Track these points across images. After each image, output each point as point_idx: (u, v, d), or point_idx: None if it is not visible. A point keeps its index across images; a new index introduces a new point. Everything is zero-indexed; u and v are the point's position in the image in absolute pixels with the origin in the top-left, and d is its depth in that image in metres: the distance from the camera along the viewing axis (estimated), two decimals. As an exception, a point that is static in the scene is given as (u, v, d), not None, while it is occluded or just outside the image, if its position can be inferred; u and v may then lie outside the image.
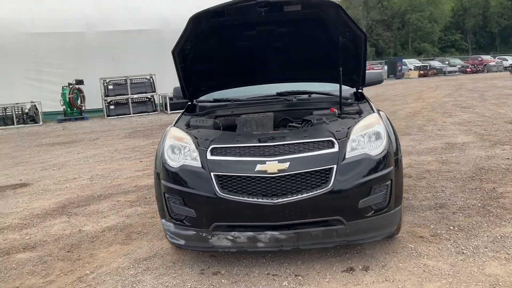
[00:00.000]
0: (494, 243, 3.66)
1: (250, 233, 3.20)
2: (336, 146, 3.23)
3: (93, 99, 19.27)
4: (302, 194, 3.13)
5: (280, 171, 3.13)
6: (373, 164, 3.27)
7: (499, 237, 3.76)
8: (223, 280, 3.35)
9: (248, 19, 3.52)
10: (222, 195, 3.18)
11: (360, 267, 3.42)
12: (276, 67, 4.05)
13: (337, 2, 3.40)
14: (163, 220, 3.56)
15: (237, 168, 3.21)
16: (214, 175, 3.23)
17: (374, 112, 3.60)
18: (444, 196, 4.92)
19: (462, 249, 3.60)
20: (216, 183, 3.22)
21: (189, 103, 4.26)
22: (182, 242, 3.45)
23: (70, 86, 18.79)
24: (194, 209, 3.30)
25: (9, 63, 19.44)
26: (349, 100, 4.08)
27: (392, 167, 3.36)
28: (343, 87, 4.09)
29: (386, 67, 40.81)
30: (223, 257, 3.70)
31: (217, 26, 3.57)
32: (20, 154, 10.49)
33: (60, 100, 18.88)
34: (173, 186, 3.39)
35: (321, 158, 3.20)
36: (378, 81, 4.72)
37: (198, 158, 3.32)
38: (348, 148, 3.25)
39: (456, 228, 4.01)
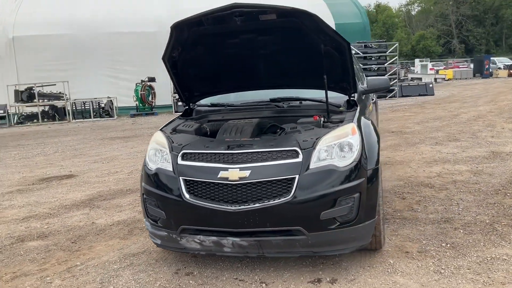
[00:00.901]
0: (480, 265, 3.44)
1: (214, 238, 3.29)
2: (300, 156, 3.22)
3: (164, 95, 20.18)
4: (262, 203, 3.16)
5: (241, 178, 3.18)
6: (339, 175, 3.21)
7: (488, 259, 3.52)
8: (191, 281, 3.47)
9: (229, 28, 3.59)
10: (189, 199, 3.30)
11: (328, 279, 3.37)
12: (265, 74, 4.07)
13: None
14: (144, 220, 3.75)
15: (203, 173, 3.31)
16: (182, 179, 3.36)
17: (353, 122, 3.52)
18: (455, 210, 4.66)
19: (442, 268, 3.42)
20: (184, 188, 3.34)
21: (186, 107, 4.42)
22: (158, 241, 3.62)
23: (142, 83, 19.82)
24: (164, 211, 3.45)
25: (89, 61, 20.91)
26: (341, 108, 4.00)
27: (362, 180, 3.27)
28: (338, 94, 4.04)
29: (472, 65, 38.50)
30: (202, 259, 3.82)
31: (200, 34, 3.67)
32: (82, 147, 11.33)
33: (133, 96, 20.00)
34: (149, 188, 3.57)
35: (284, 167, 3.20)
36: (383, 88, 4.58)
37: (170, 162, 3.47)
38: (314, 159, 3.22)
39: (448, 246, 3.80)
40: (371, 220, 3.37)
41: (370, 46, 21.86)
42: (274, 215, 3.17)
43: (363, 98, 4.56)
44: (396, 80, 21.63)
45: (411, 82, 26.07)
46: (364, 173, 3.31)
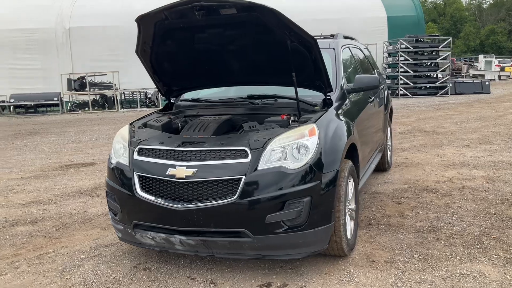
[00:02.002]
0: (445, 281, 3.19)
1: (163, 235, 3.27)
2: (249, 156, 3.12)
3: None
4: (206, 202, 3.09)
5: (187, 176, 3.13)
6: (288, 178, 3.08)
7: (457, 275, 3.26)
8: (144, 277, 3.47)
9: (193, 23, 3.52)
10: (140, 195, 3.30)
11: (278, 284, 3.26)
12: (239, 70, 3.96)
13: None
14: (110, 212, 3.80)
15: (154, 170, 3.29)
16: (136, 175, 3.36)
17: (315, 123, 3.35)
18: (448, 219, 4.36)
19: (402, 282, 3.20)
20: (138, 183, 3.34)
21: (167, 102, 4.41)
22: (120, 234, 3.65)
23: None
24: (120, 205, 3.47)
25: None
26: (316, 107, 3.84)
27: (315, 183, 3.12)
28: (315, 93, 3.88)
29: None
30: (166, 254, 3.81)
31: (166, 28, 3.63)
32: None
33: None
34: (109, 182, 3.60)
35: (231, 167, 3.11)
36: (372, 86, 4.34)
37: (127, 157, 3.48)
38: (263, 160, 3.11)
39: (420, 257, 3.56)
40: (325, 226, 3.22)
41: (422, 40, 20.94)
42: (219, 216, 3.10)
43: (350, 97, 4.34)
44: (447, 76, 20.61)
45: (465, 79, 24.78)
46: (319, 177, 3.16)
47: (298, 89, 3.67)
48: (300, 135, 3.23)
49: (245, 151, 3.14)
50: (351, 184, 3.71)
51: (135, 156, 3.42)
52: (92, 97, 20.42)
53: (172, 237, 3.24)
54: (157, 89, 4.85)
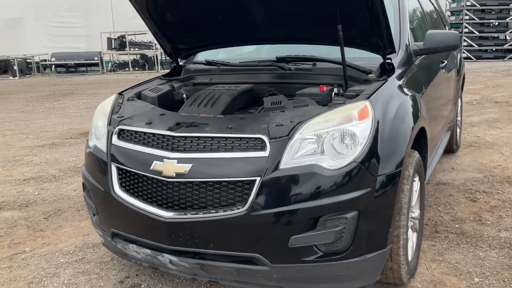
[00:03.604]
0: None
1: (148, 251, 2.36)
2: (267, 148, 2.10)
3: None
4: (203, 213, 2.14)
5: (178, 175, 2.17)
6: (324, 182, 2.07)
7: None
8: (129, 299, 2.61)
9: None
10: (118, 195, 2.38)
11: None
12: (264, 21, 2.89)
13: None
14: (91, 210, 2.92)
15: (135, 162, 2.35)
16: (115, 166, 2.43)
17: (368, 99, 2.28)
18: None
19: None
20: (115, 178, 2.42)
21: (174, 64, 3.41)
22: (102, 240, 2.78)
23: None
24: (95, 205, 2.59)
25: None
26: (370, 75, 2.74)
27: (365, 191, 2.09)
28: (369, 54, 2.78)
29: None
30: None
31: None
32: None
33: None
34: (85, 172, 2.71)
35: (240, 163, 2.12)
36: (450, 46, 3.17)
37: (104, 140, 2.55)
38: (288, 153, 2.09)
39: (513, 294, 2.49)
40: (378, 252, 2.20)
41: (491, -4, 18.70)
42: (221, 233, 2.15)
43: (418, 61, 3.19)
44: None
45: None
46: (371, 181, 2.12)
47: (346, 49, 2.59)
48: (346, 118, 2.18)
49: (262, 140, 2.13)
50: (416, 184, 2.64)
51: (114, 140, 2.49)
52: (132, 57, 19.74)
53: (160, 256, 2.32)
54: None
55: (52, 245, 3.32)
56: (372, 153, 2.13)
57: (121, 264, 2.98)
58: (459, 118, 5.19)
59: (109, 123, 2.58)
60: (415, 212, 2.72)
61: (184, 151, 2.20)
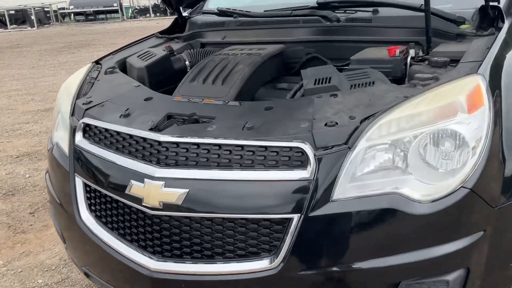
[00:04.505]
0: None
1: (134, 304, 1.59)
2: (311, 165, 1.23)
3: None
4: (207, 266, 1.32)
5: (166, 206, 1.33)
6: (412, 224, 1.22)
7: None
8: None
9: None
10: (85, 222, 1.59)
11: None
12: None
13: None
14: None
15: (107, 177, 1.53)
16: (80, 180, 1.62)
17: (477, 72, 1.36)
18: None
19: None
20: (83, 197, 1.62)
21: (176, 16, 2.50)
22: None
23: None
24: (61, 230, 1.81)
25: None
26: (463, 26, 1.79)
27: (479, 236, 1.23)
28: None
29: None
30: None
31: None
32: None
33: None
34: (47, 179, 1.92)
35: (267, 190, 1.27)
36: None
37: (66, 137, 1.73)
38: (346, 175, 1.23)
39: None
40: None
41: None
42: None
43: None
44: None
45: None
46: (489, 218, 1.25)
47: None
48: (446, 109, 1.28)
49: (302, 151, 1.26)
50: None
51: (78, 140, 1.65)
52: (153, 2, 18.66)
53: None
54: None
55: (33, 256, 2.63)
56: (491, 169, 1.25)
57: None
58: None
59: (72, 113, 1.75)
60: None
61: (176, 165, 1.36)
